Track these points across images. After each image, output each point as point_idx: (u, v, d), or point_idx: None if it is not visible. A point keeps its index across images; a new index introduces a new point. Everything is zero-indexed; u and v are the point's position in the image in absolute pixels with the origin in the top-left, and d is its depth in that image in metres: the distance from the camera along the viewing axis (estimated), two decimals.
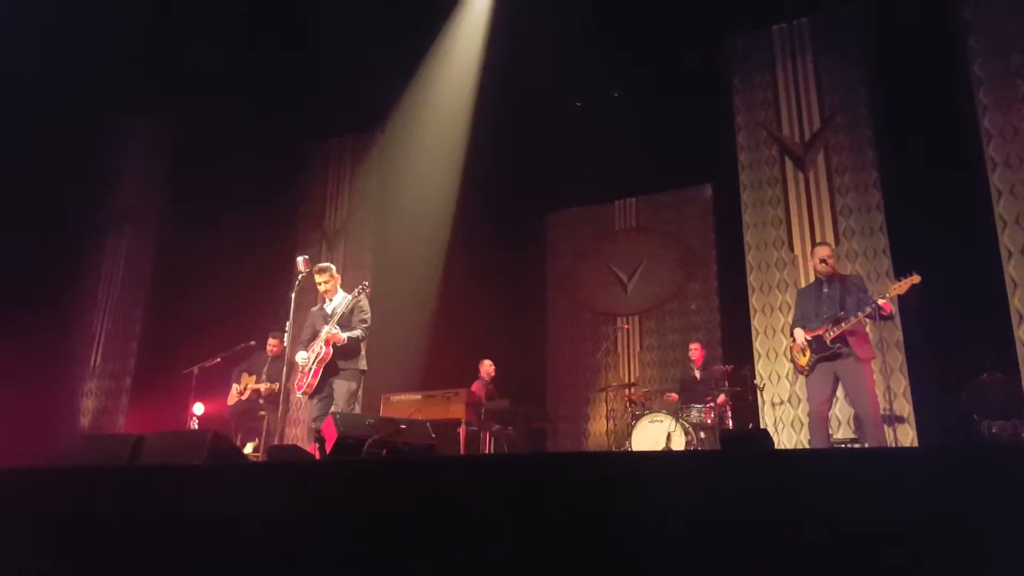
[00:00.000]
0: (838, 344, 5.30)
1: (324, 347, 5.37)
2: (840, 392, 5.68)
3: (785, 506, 2.00)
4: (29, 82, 7.58)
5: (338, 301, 5.65)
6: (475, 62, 8.35)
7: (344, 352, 5.42)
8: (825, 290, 5.56)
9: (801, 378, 6.76)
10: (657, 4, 7.47)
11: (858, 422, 6.06)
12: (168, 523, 2.40)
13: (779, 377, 6.97)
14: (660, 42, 7.85)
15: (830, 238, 7.02)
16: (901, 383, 6.37)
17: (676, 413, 7.13)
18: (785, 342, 7.00)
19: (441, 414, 7.09)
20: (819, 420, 5.46)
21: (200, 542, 2.32)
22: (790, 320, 6.14)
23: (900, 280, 5.20)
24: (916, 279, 5.14)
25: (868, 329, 5.52)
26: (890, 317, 5.39)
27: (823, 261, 5.57)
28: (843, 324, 5.28)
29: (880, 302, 5.16)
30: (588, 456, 4.13)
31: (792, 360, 5.77)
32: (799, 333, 5.56)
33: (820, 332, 5.40)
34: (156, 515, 2.44)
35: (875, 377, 6.00)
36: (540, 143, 9.11)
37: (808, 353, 5.47)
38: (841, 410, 6.40)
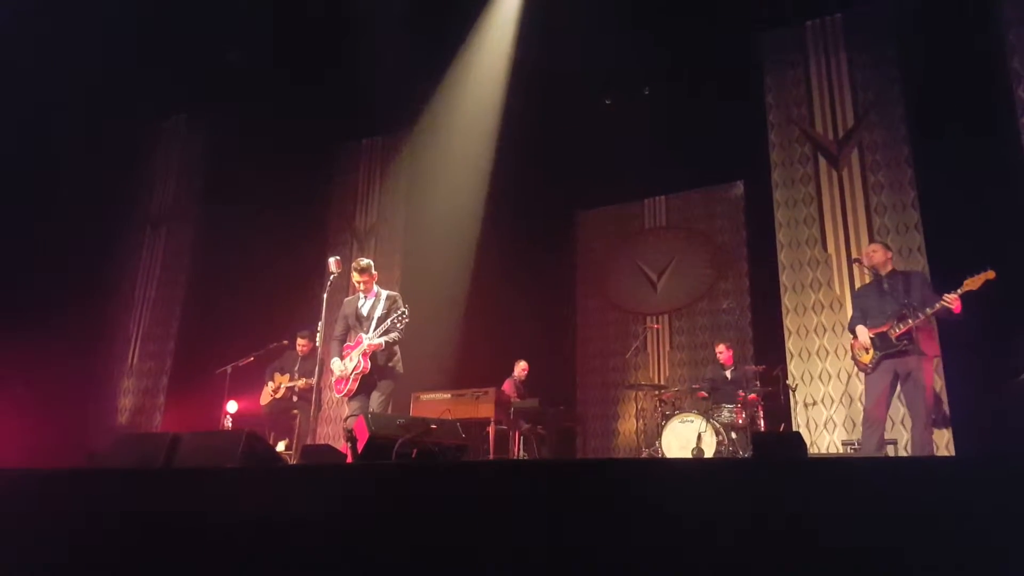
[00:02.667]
0: (904, 341, 5.18)
1: (363, 360, 5.38)
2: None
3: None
4: (66, 84, 7.75)
5: (371, 302, 5.65)
6: (505, 62, 8.36)
7: (381, 360, 5.46)
8: (886, 286, 5.44)
9: (835, 379, 6.73)
10: (688, 1, 7.41)
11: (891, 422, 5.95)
12: (202, 526, 2.45)
13: (812, 377, 6.90)
14: (691, 39, 7.80)
15: (864, 236, 6.93)
16: (937, 383, 6.26)
17: (707, 413, 7.09)
18: (818, 342, 6.92)
19: (471, 413, 7.13)
20: (874, 421, 5.31)
21: (233, 546, 2.36)
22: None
23: (974, 275, 5.04)
24: (991, 274, 4.90)
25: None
26: (959, 316, 5.18)
27: (878, 254, 5.54)
28: (910, 321, 5.15)
29: (950, 298, 5.00)
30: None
31: (854, 358, 5.60)
32: (862, 331, 5.41)
33: (884, 329, 5.26)
34: (190, 519, 2.49)
35: None
36: (570, 141, 9.10)
37: (871, 351, 5.37)
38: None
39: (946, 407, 6.18)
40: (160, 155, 9.68)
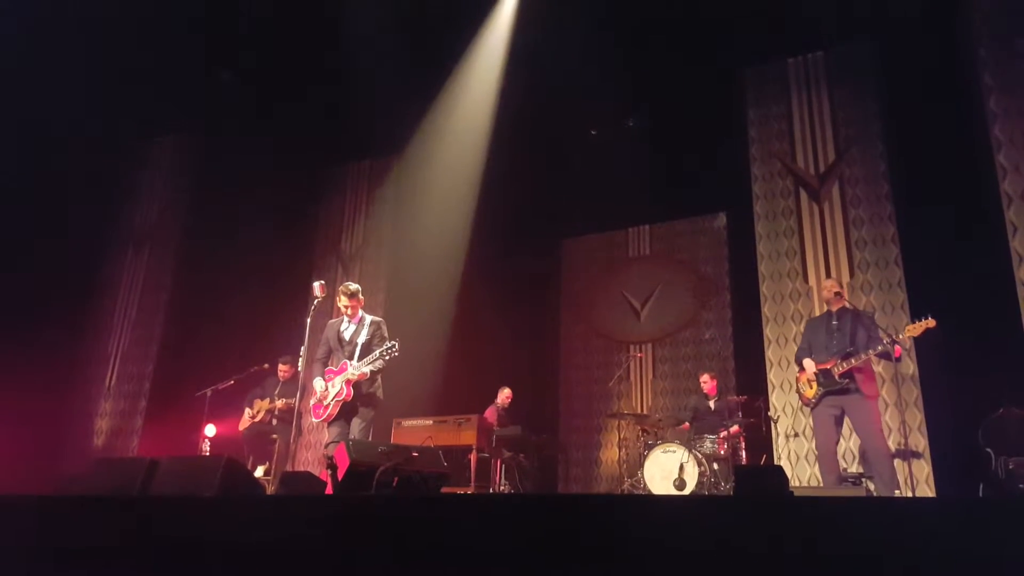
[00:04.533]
0: (846, 380, 5.32)
1: (345, 387, 5.34)
2: (849, 427, 5.67)
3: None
4: (51, 102, 7.71)
5: (355, 327, 5.61)
6: (492, 90, 8.43)
7: (363, 387, 5.41)
8: (835, 322, 5.59)
9: None
10: (673, 35, 7.53)
11: (864, 456, 6.01)
12: (180, 559, 2.41)
13: (793, 409, 6.93)
14: (675, 72, 7.92)
15: (845, 270, 7.01)
16: (916, 417, 6.32)
17: (689, 443, 7.08)
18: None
19: (452, 440, 7.09)
20: (827, 454, 5.47)
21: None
22: (794, 349, 6.13)
23: (916, 322, 5.19)
24: (931, 323, 5.11)
25: (877, 368, 5.51)
26: (899, 360, 5.37)
27: (829, 291, 5.71)
28: (852, 360, 5.30)
29: (889, 342, 5.17)
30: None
31: (798, 391, 5.75)
32: (809, 363, 5.54)
33: (828, 366, 5.41)
34: (167, 550, 2.45)
35: (890, 411, 5.98)
36: (555, 170, 9.17)
37: (815, 386, 5.47)
38: (854, 443, 6.35)
39: (926, 441, 6.23)
40: (144, 176, 9.63)
